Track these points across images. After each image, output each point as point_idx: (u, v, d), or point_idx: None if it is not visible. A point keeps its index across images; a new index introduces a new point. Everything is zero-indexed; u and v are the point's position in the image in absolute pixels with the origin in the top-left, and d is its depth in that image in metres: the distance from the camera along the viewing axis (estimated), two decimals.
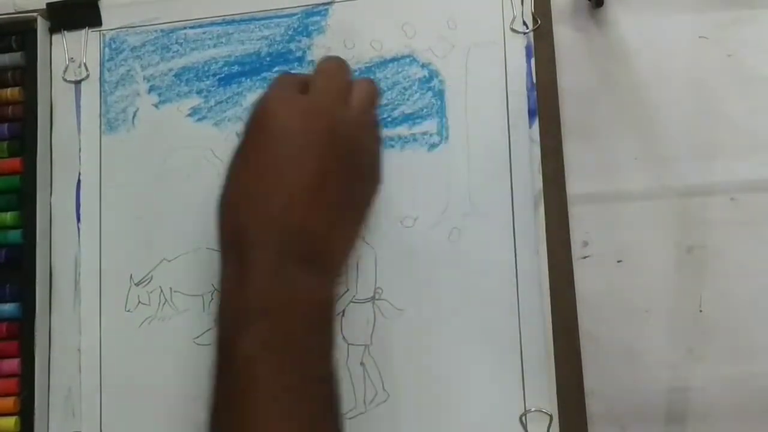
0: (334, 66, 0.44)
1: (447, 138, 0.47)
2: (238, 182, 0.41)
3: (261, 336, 0.37)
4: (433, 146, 0.47)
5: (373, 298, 0.47)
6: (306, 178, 0.39)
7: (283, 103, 0.41)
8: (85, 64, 0.52)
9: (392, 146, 0.48)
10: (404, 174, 0.47)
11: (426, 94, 0.48)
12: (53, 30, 0.52)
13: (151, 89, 0.51)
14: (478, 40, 0.48)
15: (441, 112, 0.48)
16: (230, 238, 0.40)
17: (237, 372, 0.37)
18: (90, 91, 0.51)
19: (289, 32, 0.50)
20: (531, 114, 0.47)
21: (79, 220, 0.50)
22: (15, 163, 0.50)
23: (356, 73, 0.49)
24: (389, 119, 0.48)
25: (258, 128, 0.41)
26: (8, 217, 0.49)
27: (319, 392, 0.38)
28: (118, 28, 0.52)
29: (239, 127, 0.49)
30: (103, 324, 0.49)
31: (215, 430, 0.37)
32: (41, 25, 0.51)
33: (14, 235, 0.49)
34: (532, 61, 0.47)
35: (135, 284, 0.49)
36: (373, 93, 0.44)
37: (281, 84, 0.43)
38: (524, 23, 0.48)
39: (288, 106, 0.40)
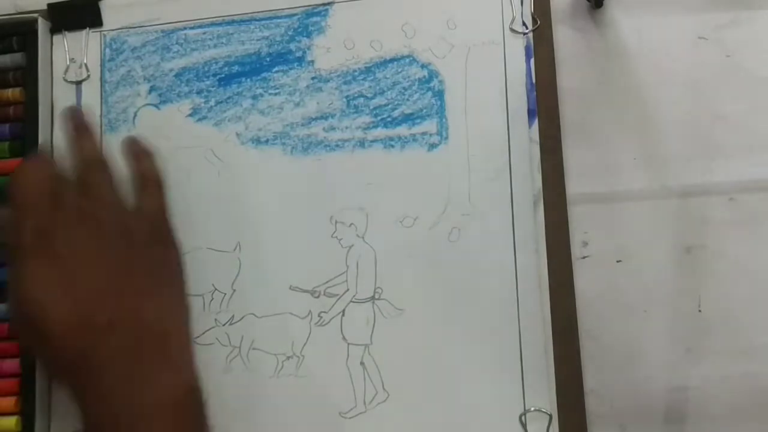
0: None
1: (447, 138, 0.47)
2: (21, 288, 0.40)
3: None
4: (432, 146, 0.48)
5: (372, 298, 0.47)
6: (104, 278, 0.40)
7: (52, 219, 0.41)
8: (85, 65, 0.52)
9: (392, 146, 0.48)
10: (404, 174, 0.47)
11: (426, 94, 0.48)
12: (54, 30, 0.52)
13: (151, 89, 0.51)
14: (477, 40, 0.48)
15: (441, 112, 0.48)
16: (65, 363, 0.39)
17: None
18: (91, 91, 0.51)
19: (290, 32, 0.50)
20: (530, 114, 0.47)
21: None
22: (16, 163, 0.50)
23: (356, 73, 0.49)
24: (389, 119, 0.48)
25: (43, 249, 0.40)
26: None
27: None
28: (118, 29, 0.52)
29: (240, 127, 0.50)
30: None
31: None
32: (42, 26, 0.51)
33: None
34: (532, 61, 0.47)
35: None
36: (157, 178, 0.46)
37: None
38: (524, 24, 0.48)
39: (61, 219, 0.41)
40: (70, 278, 0.39)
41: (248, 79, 0.50)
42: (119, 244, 0.41)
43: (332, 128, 0.49)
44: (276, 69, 0.50)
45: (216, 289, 0.48)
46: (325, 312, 0.47)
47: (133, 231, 0.42)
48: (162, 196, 0.45)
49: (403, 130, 0.48)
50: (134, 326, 0.39)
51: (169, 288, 0.43)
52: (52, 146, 0.51)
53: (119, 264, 0.41)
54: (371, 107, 0.49)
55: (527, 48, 0.48)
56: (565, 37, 0.48)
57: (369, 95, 0.49)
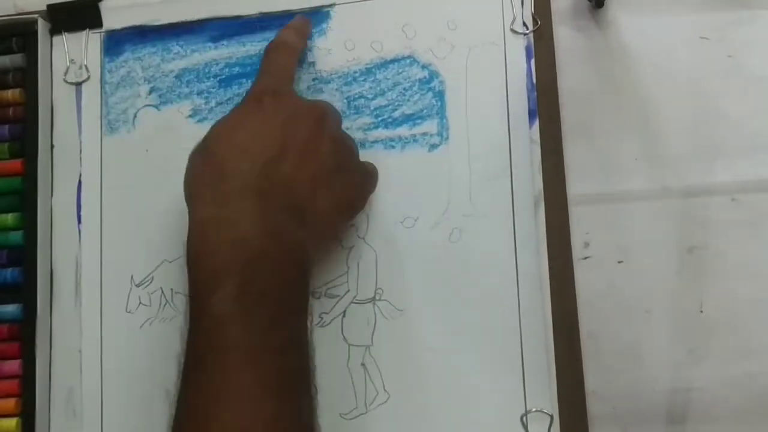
0: None
1: (447, 138, 0.47)
2: (227, 128, 0.41)
3: (233, 292, 0.36)
4: (433, 147, 0.47)
5: (373, 299, 0.47)
6: (300, 140, 0.41)
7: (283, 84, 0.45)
8: (85, 66, 0.52)
9: (393, 147, 0.48)
10: (405, 174, 0.47)
11: (426, 94, 0.48)
12: (54, 31, 0.52)
13: (151, 90, 0.51)
14: (478, 41, 0.48)
15: (441, 112, 0.48)
16: (209, 177, 0.40)
17: (209, 330, 0.36)
18: (91, 92, 0.51)
19: None
20: (531, 114, 0.47)
21: (79, 221, 0.50)
22: (16, 164, 0.50)
23: (356, 74, 0.49)
24: (390, 120, 0.48)
25: (257, 102, 0.42)
26: (9, 218, 0.49)
27: (289, 350, 0.37)
28: (118, 30, 0.52)
29: None
30: (103, 325, 0.49)
31: (188, 389, 0.37)
32: (42, 27, 0.51)
33: (15, 237, 0.49)
34: (533, 61, 0.47)
35: (136, 285, 0.49)
36: None
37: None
38: (524, 24, 0.48)
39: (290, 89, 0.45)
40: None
41: (249, 81, 0.50)
42: (327, 128, 0.43)
43: None
44: None
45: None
46: (325, 313, 0.47)
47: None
48: None
49: (403, 130, 0.48)
50: (284, 179, 0.40)
51: (344, 182, 0.43)
52: (51, 147, 0.51)
53: (313, 137, 0.42)
54: (372, 108, 0.49)
55: (528, 48, 0.48)
56: (565, 38, 0.48)
57: (369, 96, 0.49)
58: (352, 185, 0.45)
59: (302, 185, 0.40)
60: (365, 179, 0.46)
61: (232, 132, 0.41)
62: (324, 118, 0.43)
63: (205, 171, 0.40)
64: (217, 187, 0.39)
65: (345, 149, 0.44)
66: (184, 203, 0.49)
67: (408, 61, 0.49)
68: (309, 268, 0.41)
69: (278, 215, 0.39)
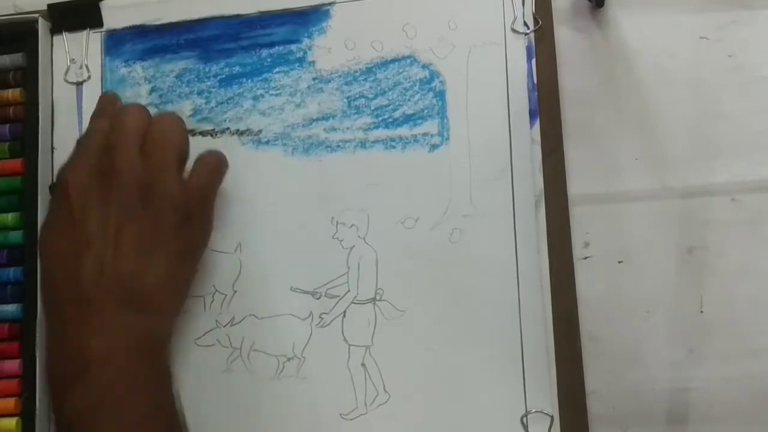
0: (130, 114, 0.45)
1: (448, 139, 0.47)
2: (53, 250, 0.43)
3: (83, 397, 0.38)
4: (434, 147, 0.47)
5: (374, 299, 0.47)
6: (112, 232, 0.42)
7: (83, 172, 0.43)
8: (86, 66, 0.52)
9: (393, 147, 0.48)
10: (405, 175, 0.47)
11: (427, 94, 0.48)
12: (54, 31, 0.52)
13: (152, 90, 0.51)
14: (479, 40, 0.48)
15: (442, 112, 0.48)
16: (48, 297, 0.43)
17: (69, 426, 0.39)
18: (91, 92, 0.51)
19: (290, 33, 0.50)
20: (532, 114, 0.47)
21: None
22: (16, 164, 0.50)
23: (357, 74, 0.49)
24: (390, 120, 0.48)
25: (64, 198, 0.42)
26: (9, 218, 0.49)
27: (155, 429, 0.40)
28: (119, 29, 0.52)
29: (240, 127, 0.50)
30: None
31: None
32: (42, 27, 0.51)
33: (15, 236, 0.49)
34: (533, 61, 0.47)
35: None
36: (175, 129, 0.45)
37: (82, 151, 0.44)
38: (525, 24, 0.48)
39: (89, 174, 0.43)
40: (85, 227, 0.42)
41: (249, 80, 0.50)
42: (148, 208, 0.42)
43: (333, 129, 0.49)
44: (277, 70, 0.50)
45: (216, 290, 0.48)
46: (326, 313, 0.47)
47: (166, 200, 0.43)
48: (210, 178, 0.46)
49: (404, 130, 0.48)
50: (115, 275, 0.41)
51: (176, 260, 0.44)
52: (52, 147, 0.51)
53: (138, 227, 0.42)
54: (372, 108, 0.49)
55: (528, 48, 0.47)
56: (566, 38, 0.48)
57: (370, 96, 0.49)
58: (188, 241, 0.45)
59: (132, 277, 0.41)
60: (200, 230, 0.46)
61: (55, 245, 0.43)
62: (137, 188, 0.42)
63: (43, 291, 0.44)
64: (51, 304, 0.43)
65: (173, 209, 0.43)
66: None
67: (408, 60, 0.49)
68: (156, 344, 0.43)
69: (110, 314, 0.40)
